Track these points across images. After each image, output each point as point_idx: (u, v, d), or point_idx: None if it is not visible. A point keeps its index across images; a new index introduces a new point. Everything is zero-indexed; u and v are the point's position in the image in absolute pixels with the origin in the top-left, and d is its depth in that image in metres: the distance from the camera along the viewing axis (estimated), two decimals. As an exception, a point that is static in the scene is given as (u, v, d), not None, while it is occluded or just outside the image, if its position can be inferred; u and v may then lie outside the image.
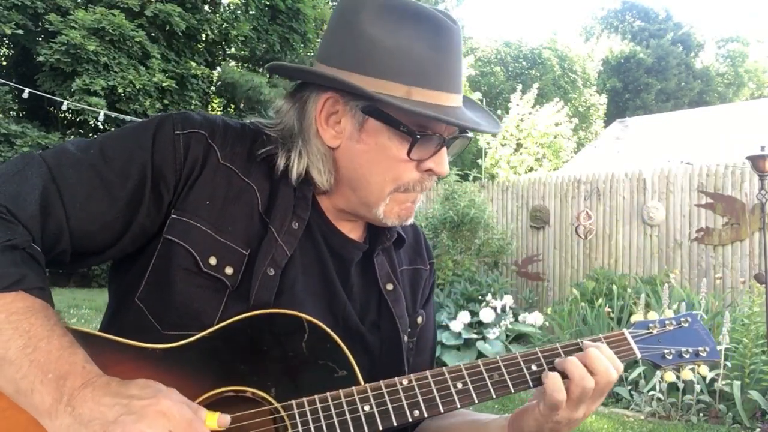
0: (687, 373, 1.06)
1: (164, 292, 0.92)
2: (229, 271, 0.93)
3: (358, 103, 0.94)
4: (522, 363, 0.96)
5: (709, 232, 8.32)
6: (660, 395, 5.01)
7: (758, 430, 4.54)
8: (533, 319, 7.15)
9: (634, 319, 1.05)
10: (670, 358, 1.05)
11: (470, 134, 1.00)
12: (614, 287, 7.16)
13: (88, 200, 0.89)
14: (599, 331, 6.32)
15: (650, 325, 1.09)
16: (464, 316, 7.02)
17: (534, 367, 0.95)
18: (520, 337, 7.23)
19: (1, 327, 0.75)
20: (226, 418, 0.77)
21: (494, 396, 0.92)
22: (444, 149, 0.97)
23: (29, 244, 0.82)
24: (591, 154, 17.39)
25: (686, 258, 8.52)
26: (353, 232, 1.08)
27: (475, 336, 6.93)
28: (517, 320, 7.34)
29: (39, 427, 0.75)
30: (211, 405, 0.84)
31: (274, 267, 0.95)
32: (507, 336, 7.04)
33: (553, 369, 0.95)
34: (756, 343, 4.92)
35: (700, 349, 1.07)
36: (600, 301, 6.89)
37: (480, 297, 7.54)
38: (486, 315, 7.00)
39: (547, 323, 7.24)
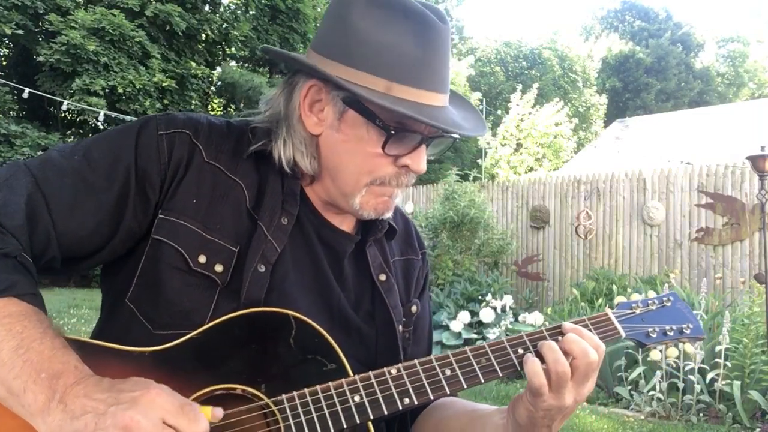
0: (672, 351, 1.08)
1: (154, 292, 0.93)
2: (219, 268, 0.93)
3: (339, 93, 0.94)
4: (509, 347, 0.97)
5: (709, 232, 8.32)
6: (660, 395, 5.01)
7: (758, 430, 4.55)
8: (533, 319, 7.15)
9: (617, 300, 1.07)
10: (654, 336, 1.07)
11: (455, 135, 1.00)
12: (614, 287, 7.17)
13: (74, 206, 0.90)
14: (599, 331, 6.31)
15: (633, 305, 1.10)
16: (464, 316, 7.03)
17: (521, 351, 0.97)
18: (520, 337, 7.23)
19: None
20: (219, 411, 0.78)
21: (482, 381, 0.93)
22: (422, 147, 0.96)
23: (20, 253, 0.83)
24: (591, 154, 17.40)
25: (686, 258, 8.52)
26: (344, 224, 1.08)
27: (475, 336, 6.93)
28: (517, 320, 7.34)
29: (31, 430, 0.75)
30: (202, 404, 0.84)
31: (264, 263, 0.95)
32: (507, 336, 7.04)
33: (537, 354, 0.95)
34: (756, 343, 4.92)
35: (683, 326, 1.08)
36: (600, 301, 6.90)
37: (480, 297, 7.55)
38: (486, 315, 7.01)
39: (547, 323, 7.24)
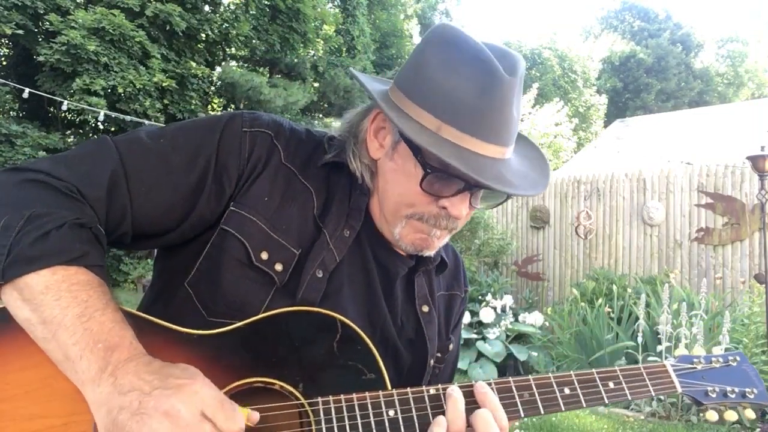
0: (730, 414, 1.02)
1: (214, 281, 0.96)
2: (278, 267, 0.96)
3: (395, 124, 0.95)
4: (554, 385, 0.96)
5: (709, 232, 8.32)
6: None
7: (758, 430, 4.54)
8: (533, 319, 7.15)
9: (677, 352, 1.00)
10: (714, 396, 1.02)
11: (500, 191, 0.94)
12: (614, 287, 7.16)
13: (153, 187, 0.93)
14: (599, 331, 6.32)
15: (695, 360, 1.06)
16: (464, 316, 7.02)
17: (567, 390, 0.96)
18: (520, 337, 7.23)
19: (62, 294, 0.79)
20: (256, 415, 0.80)
21: (522, 415, 0.92)
22: (465, 194, 0.95)
23: (95, 225, 0.87)
24: (591, 154, 17.38)
25: (686, 258, 8.52)
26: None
27: (475, 336, 6.93)
28: (517, 320, 7.34)
29: (80, 396, 0.78)
30: (240, 394, 0.86)
31: (322, 270, 0.98)
32: (507, 336, 7.04)
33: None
34: (756, 343, 4.93)
35: (747, 390, 1.03)
36: (600, 301, 6.89)
37: (480, 297, 7.55)
38: (486, 315, 7.00)
39: (547, 323, 7.23)
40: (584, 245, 9.35)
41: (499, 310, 7.19)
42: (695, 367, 1.05)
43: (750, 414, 1.06)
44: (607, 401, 0.98)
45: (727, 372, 1.06)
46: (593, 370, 0.98)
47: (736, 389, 1.03)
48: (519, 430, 4.61)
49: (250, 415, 0.79)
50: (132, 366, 0.76)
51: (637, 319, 5.78)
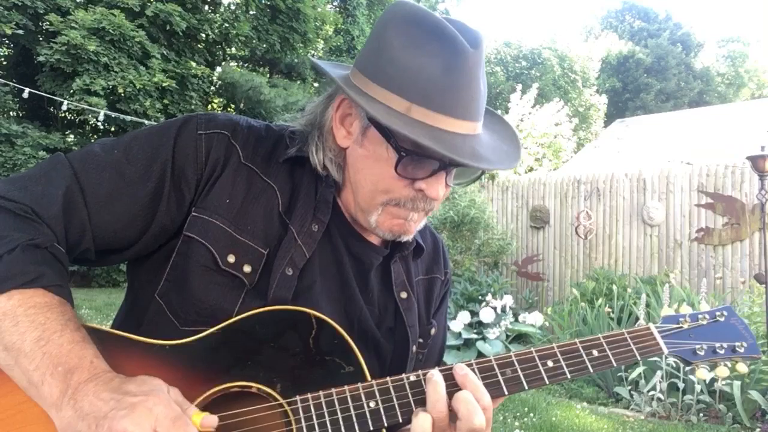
0: (722, 371, 0.99)
1: (183, 289, 0.94)
2: (247, 269, 0.94)
3: (364, 109, 0.93)
4: (537, 358, 0.94)
5: (709, 232, 8.32)
6: (660, 395, 5.01)
7: (758, 430, 4.54)
8: (533, 319, 7.15)
9: (663, 312, 0.96)
10: (702, 354, 0.99)
11: (474, 166, 0.93)
12: (614, 287, 7.16)
13: (110, 200, 0.91)
14: (599, 331, 6.32)
15: (681, 319, 1.02)
16: (464, 316, 7.03)
17: (550, 363, 0.93)
18: (520, 337, 7.23)
19: (19, 320, 0.78)
20: (212, 419, 0.78)
21: (506, 393, 0.91)
22: (440, 174, 0.93)
23: (52, 244, 0.85)
24: (591, 154, 17.38)
25: (686, 258, 8.52)
26: (373, 236, 1.07)
27: (475, 336, 6.93)
28: (517, 320, 7.34)
29: (51, 421, 0.77)
30: (217, 401, 0.85)
31: (292, 267, 0.96)
32: (507, 336, 7.04)
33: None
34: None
35: (736, 344, 1.00)
36: (600, 301, 6.89)
37: (480, 297, 7.55)
38: (486, 315, 7.00)
39: (547, 323, 7.23)
40: (584, 245, 9.35)
41: (499, 310, 7.18)
42: (681, 327, 1.01)
43: (742, 368, 1.02)
44: (592, 370, 0.95)
45: (715, 328, 1.02)
46: (576, 340, 0.95)
47: (725, 344, 1.00)
48: (519, 430, 4.61)
49: (203, 420, 0.77)
50: (92, 387, 0.75)
51: (637, 319, 5.78)
